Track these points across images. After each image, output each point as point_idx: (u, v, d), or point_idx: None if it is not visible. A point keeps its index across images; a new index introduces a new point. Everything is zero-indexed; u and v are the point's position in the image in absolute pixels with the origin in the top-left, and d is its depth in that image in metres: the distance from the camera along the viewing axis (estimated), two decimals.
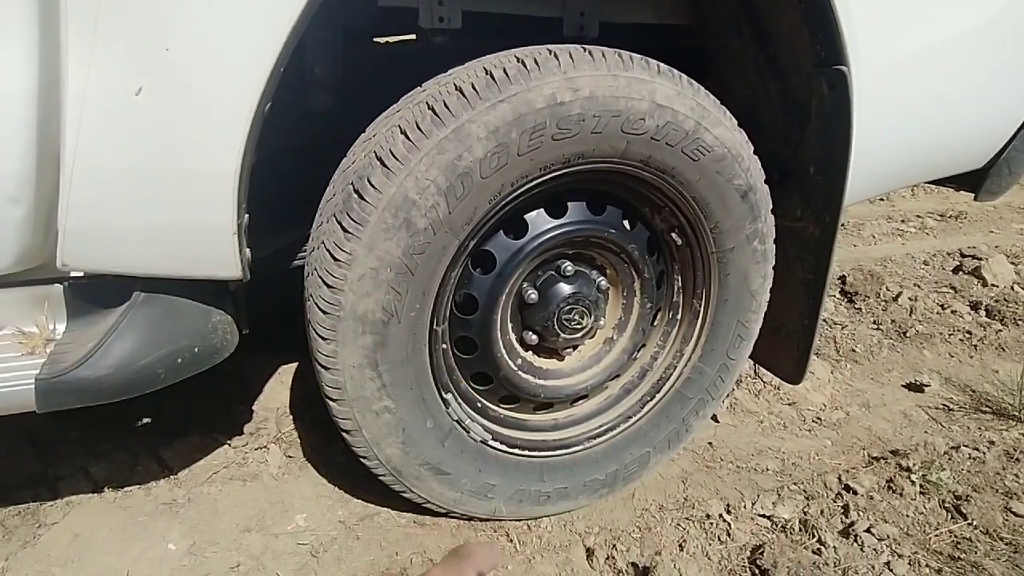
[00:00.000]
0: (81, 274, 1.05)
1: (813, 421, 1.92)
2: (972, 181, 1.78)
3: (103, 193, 0.93)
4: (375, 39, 1.90)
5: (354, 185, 1.07)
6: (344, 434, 1.22)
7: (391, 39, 1.99)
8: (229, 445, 1.62)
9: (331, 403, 1.18)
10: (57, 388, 0.97)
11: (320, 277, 1.10)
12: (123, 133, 0.89)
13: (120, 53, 0.87)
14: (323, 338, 1.12)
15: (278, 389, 1.86)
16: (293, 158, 1.52)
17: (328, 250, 1.08)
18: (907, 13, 1.34)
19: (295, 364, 1.94)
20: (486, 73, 1.07)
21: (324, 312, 1.10)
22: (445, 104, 1.05)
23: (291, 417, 1.76)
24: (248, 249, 1.06)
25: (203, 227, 0.97)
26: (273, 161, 1.52)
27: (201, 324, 1.10)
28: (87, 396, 0.99)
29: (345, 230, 1.06)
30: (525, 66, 1.07)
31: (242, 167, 0.94)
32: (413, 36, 1.80)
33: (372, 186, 1.05)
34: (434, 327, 1.21)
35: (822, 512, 1.51)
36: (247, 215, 1.02)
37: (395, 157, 1.04)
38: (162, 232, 0.97)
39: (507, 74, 1.06)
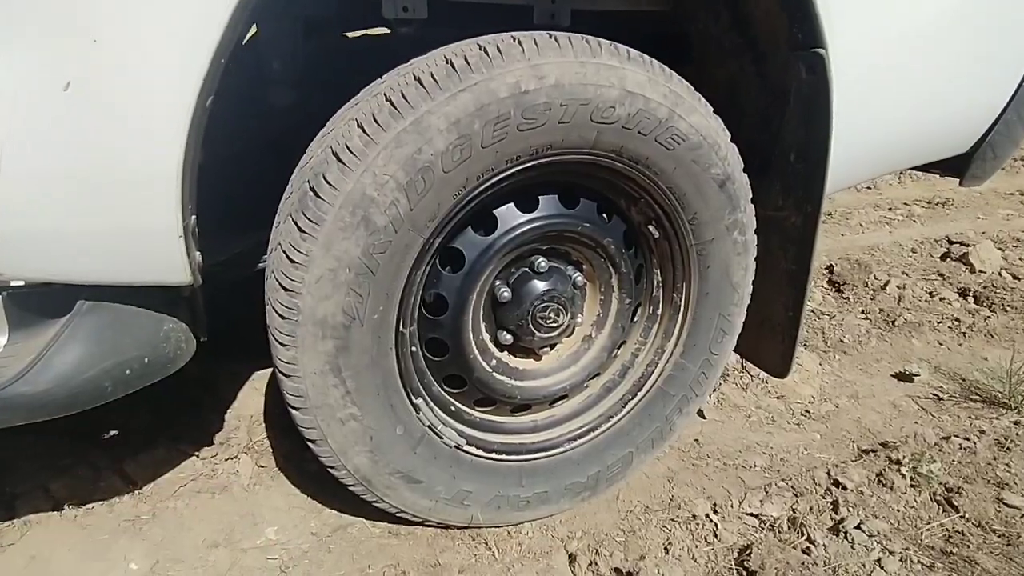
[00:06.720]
0: (22, 283, 0.99)
1: (802, 414, 1.88)
2: (957, 166, 1.74)
3: (36, 196, 0.86)
4: (345, 33, 1.84)
5: (310, 183, 1.02)
6: (310, 443, 1.17)
7: (367, 31, 1.92)
8: (197, 456, 1.55)
9: (294, 411, 1.13)
10: None
11: (277, 280, 1.04)
12: (53, 131, 0.83)
13: (46, 45, 0.81)
14: (282, 344, 1.06)
15: (251, 396, 1.80)
16: (256, 156, 1.46)
17: (284, 251, 1.03)
18: None
19: (269, 370, 1.88)
20: (446, 62, 1.02)
21: (282, 317, 1.04)
22: (403, 95, 1.00)
23: (264, 425, 1.69)
24: (199, 252, 1.00)
25: (145, 230, 0.91)
26: (235, 160, 1.46)
27: (152, 333, 1.04)
28: (26, 413, 0.93)
29: (301, 230, 1.01)
30: (487, 54, 1.02)
31: (184, 165, 0.88)
32: (387, 29, 1.74)
33: (328, 183, 0.99)
34: (401, 329, 1.15)
35: (811, 509, 1.47)
36: (194, 216, 0.96)
37: (351, 152, 0.99)
38: (102, 237, 0.91)
39: (468, 62, 1.01)
